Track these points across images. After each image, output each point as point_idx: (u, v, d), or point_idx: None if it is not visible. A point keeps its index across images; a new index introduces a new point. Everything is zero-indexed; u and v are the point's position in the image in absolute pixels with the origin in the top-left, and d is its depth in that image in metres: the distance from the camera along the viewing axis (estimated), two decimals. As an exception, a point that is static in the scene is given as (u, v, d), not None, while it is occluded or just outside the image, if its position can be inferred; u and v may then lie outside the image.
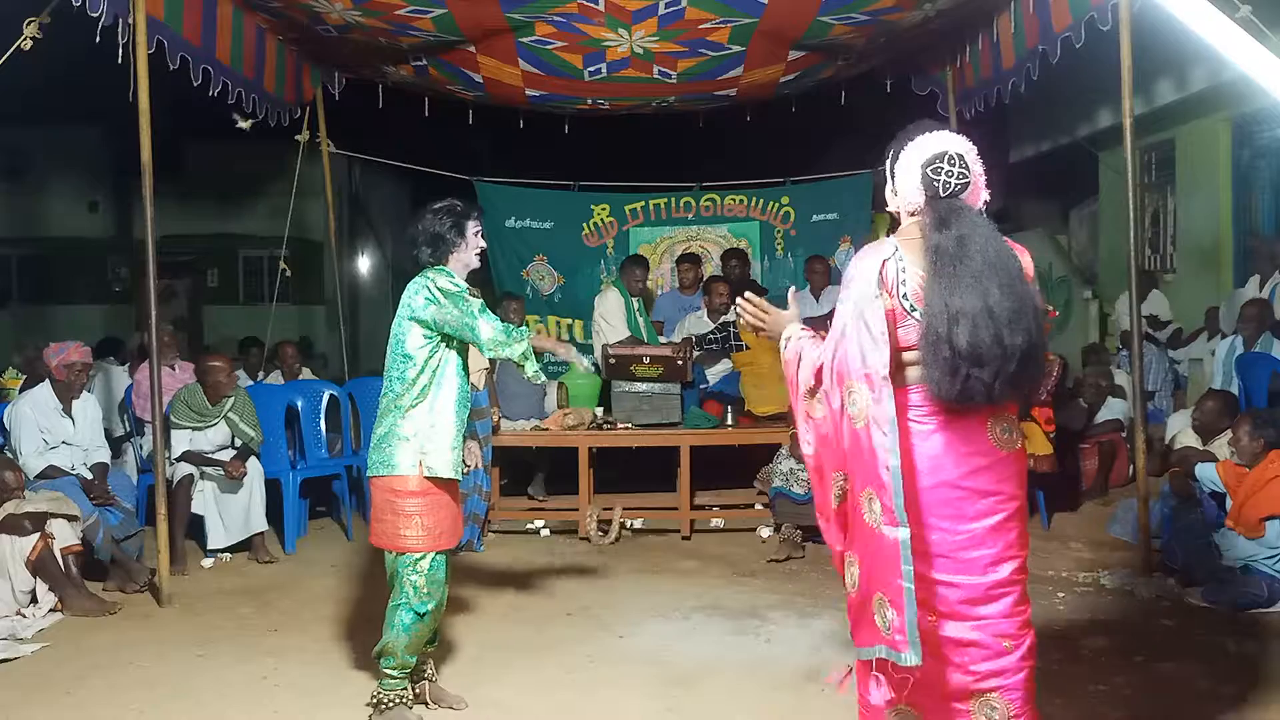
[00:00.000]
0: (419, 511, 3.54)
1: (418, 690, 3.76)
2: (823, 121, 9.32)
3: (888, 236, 2.67)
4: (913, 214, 2.63)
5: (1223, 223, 8.99)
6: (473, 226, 3.70)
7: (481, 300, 3.70)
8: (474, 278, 6.11)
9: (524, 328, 3.74)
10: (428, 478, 3.54)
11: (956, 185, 2.57)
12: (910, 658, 2.41)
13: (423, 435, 3.54)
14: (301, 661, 4.28)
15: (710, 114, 8.55)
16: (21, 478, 5.20)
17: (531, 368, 3.61)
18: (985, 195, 2.67)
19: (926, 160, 2.58)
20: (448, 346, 3.61)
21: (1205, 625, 4.49)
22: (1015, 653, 2.58)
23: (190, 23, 5.60)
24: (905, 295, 2.55)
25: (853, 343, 2.51)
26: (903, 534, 2.40)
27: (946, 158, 2.57)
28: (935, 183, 2.56)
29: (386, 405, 3.60)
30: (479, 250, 3.74)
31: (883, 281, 2.54)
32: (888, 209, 2.78)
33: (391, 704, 3.60)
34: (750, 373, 6.85)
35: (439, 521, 3.57)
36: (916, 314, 2.53)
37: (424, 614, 3.58)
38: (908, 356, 2.55)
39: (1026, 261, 2.60)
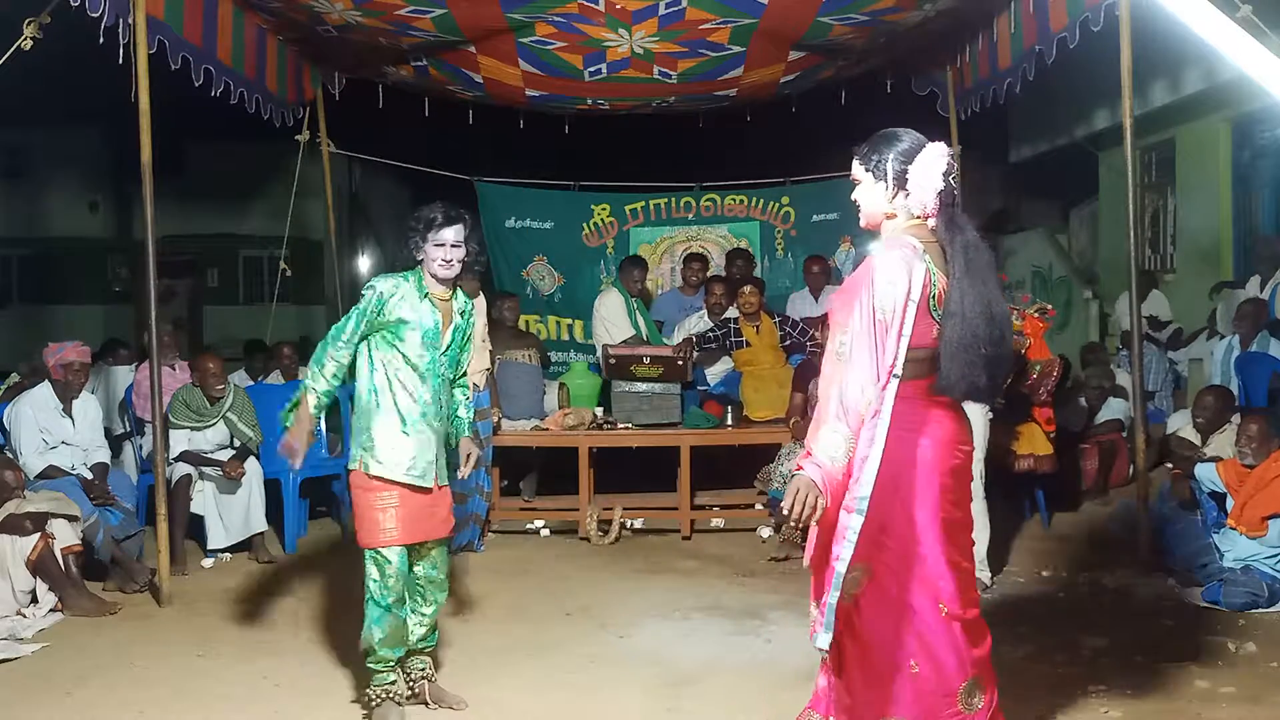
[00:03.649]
0: (376, 506, 3.59)
1: (416, 690, 3.77)
2: (823, 121, 9.30)
3: (908, 236, 2.72)
4: (923, 216, 2.72)
5: (1223, 223, 8.99)
6: (434, 237, 3.60)
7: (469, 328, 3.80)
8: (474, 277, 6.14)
9: (318, 374, 3.62)
10: (369, 474, 3.60)
11: (957, 193, 2.74)
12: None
13: (368, 432, 3.62)
14: (301, 661, 4.29)
15: (710, 114, 8.54)
16: (21, 477, 5.20)
17: (290, 415, 3.65)
18: None
19: (945, 168, 2.69)
20: (377, 347, 3.63)
21: (1205, 625, 4.49)
22: None
23: (191, 23, 5.60)
24: (933, 296, 2.67)
25: (902, 341, 2.60)
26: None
27: (954, 168, 2.72)
28: (949, 189, 2.70)
29: None
30: (443, 261, 3.62)
31: (923, 285, 2.65)
32: (870, 208, 2.83)
33: (378, 700, 3.62)
34: (751, 374, 6.84)
35: (366, 520, 3.61)
36: (937, 314, 2.66)
37: (386, 606, 3.61)
38: (914, 354, 2.64)
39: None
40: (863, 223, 2.87)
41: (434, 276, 3.65)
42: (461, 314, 3.76)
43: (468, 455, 3.86)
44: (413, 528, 3.63)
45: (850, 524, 2.57)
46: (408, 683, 3.79)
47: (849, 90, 8.13)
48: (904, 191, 2.73)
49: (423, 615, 3.78)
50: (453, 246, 3.61)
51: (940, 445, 2.71)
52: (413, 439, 3.61)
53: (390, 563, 3.59)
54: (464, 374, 3.90)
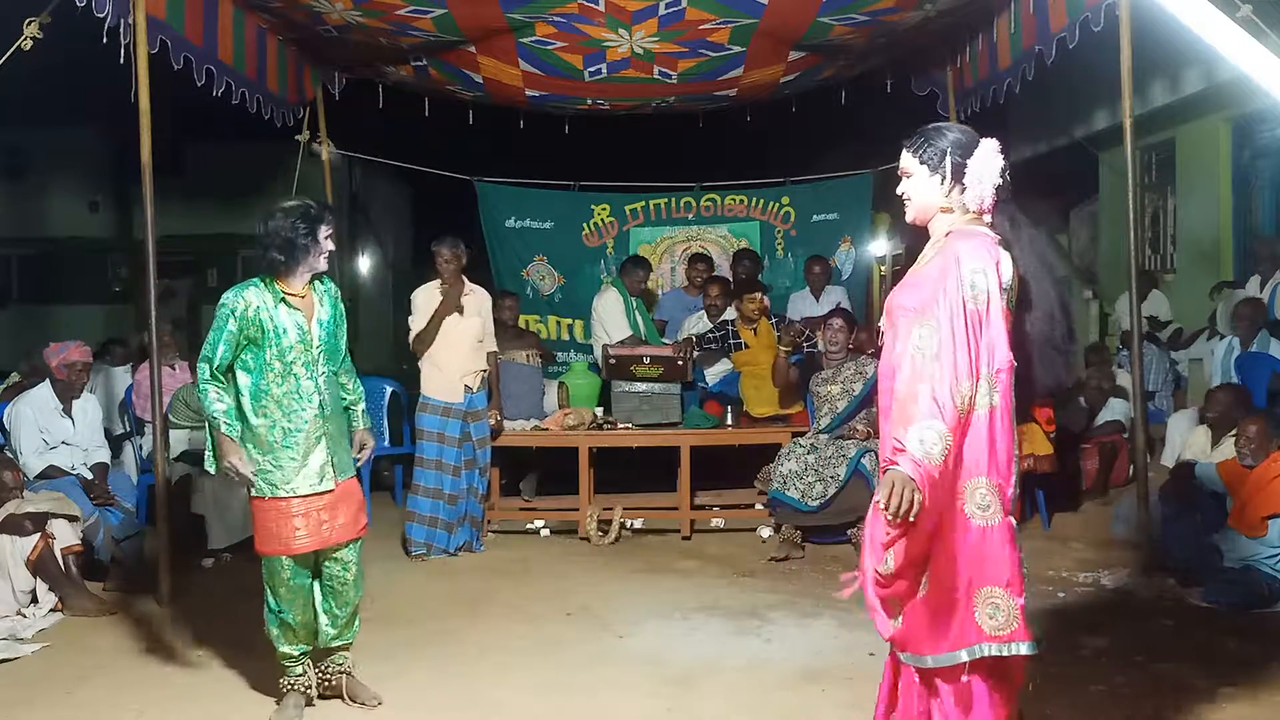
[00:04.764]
0: (271, 518, 3.59)
1: (334, 683, 3.76)
2: (823, 121, 9.32)
3: (985, 230, 2.61)
4: (979, 211, 2.62)
5: (1223, 223, 8.98)
6: (325, 230, 3.59)
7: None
8: (475, 278, 6.15)
9: (215, 402, 3.56)
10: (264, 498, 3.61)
11: (1009, 189, 2.66)
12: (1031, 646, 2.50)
13: (256, 458, 3.59)
14: (302, 661, 4.28)
15: (710, 114, 8.55)
16: (20, 478, 5.20)
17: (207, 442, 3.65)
18: None
19: (1002, 165, 2.61)
20: (240, 369, 3.57)
21: (1205, 625, 4.49)
22: None
23: (192, 23, 5.60)
24: (1010, 287, 2.59)
25: (996, 335, 2.50)
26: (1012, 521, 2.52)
27: (1007, 165, 2.64)
28: (1006, 185, 2.62)
29: None
30: (330, 253, 3.64)
31: (1010, 274, 2.58)
32: (923, 200, 2.69)
33: (285, 689, 3.70)
34: (750, 373, 6.85)
35: (259, 526, 3.62)
36: (1012, 305, 2.60)
37: (275, 610, 3.64)
38: None
39: None
40: (911, 216, 2.73)
41: (312, 270, 3.62)
42: (321, 301, 3.67)
43: (362, 446, 3.83)
44: (309, 538, 3.60)
45: (1013, 524, 2.50)
46: (325, 678, 3.77)
47: (849, 90, 8.14)
48: (960, 185, 2.62)
49: (335, 614, 3.73)
50: (334, 237, 3.65)
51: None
52: (300, 448, 3.57)
53: (277, 573, 3.61)
54: (346, 357, 3.84)
